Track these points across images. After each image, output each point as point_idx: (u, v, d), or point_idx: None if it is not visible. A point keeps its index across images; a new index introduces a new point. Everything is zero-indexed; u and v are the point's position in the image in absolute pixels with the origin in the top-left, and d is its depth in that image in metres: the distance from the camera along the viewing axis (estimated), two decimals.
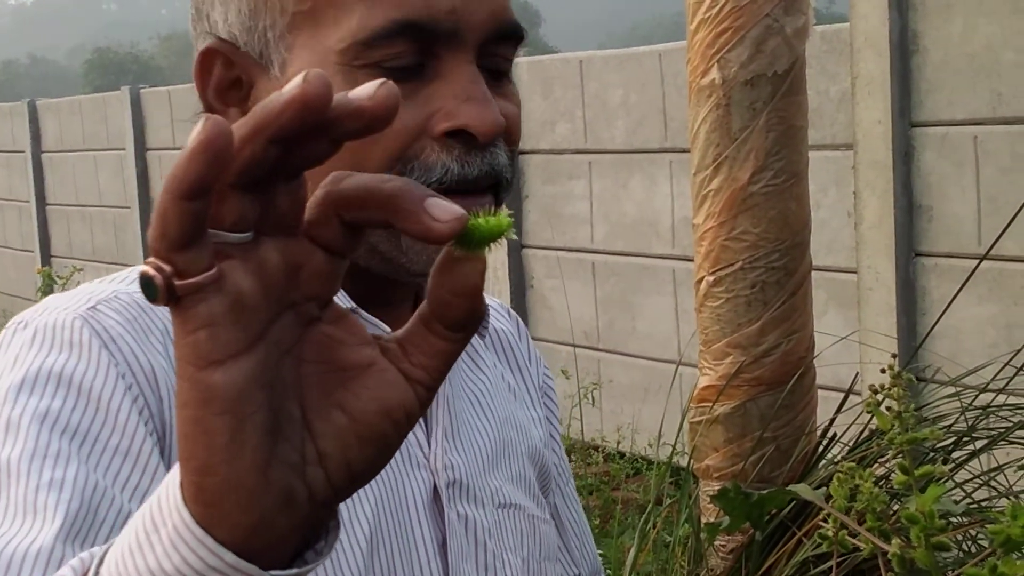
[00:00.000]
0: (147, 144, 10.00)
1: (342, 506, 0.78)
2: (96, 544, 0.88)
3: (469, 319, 0.67)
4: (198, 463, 0.64)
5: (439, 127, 1.06)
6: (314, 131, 0.61)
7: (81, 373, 1.01)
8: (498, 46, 1.11)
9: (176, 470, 0.67)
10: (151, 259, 0.61)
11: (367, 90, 0.62)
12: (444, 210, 0.63)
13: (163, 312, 1.00)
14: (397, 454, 0.86)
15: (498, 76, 1.12)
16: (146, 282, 0.61)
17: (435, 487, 1.17)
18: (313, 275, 0.66)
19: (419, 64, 1.06)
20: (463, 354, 1.05)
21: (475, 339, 1.27)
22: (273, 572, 0.65)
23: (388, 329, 1.10)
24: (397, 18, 1.04)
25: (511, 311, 1.44)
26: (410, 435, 0.99)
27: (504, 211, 0.66)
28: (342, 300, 1.07)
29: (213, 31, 1.12)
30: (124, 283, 1.12)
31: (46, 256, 11.36)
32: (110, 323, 1.04)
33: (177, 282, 0.59)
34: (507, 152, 1.11)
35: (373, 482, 0.91)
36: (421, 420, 1.04)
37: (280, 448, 0.65)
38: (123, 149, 10.10)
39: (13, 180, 12.12)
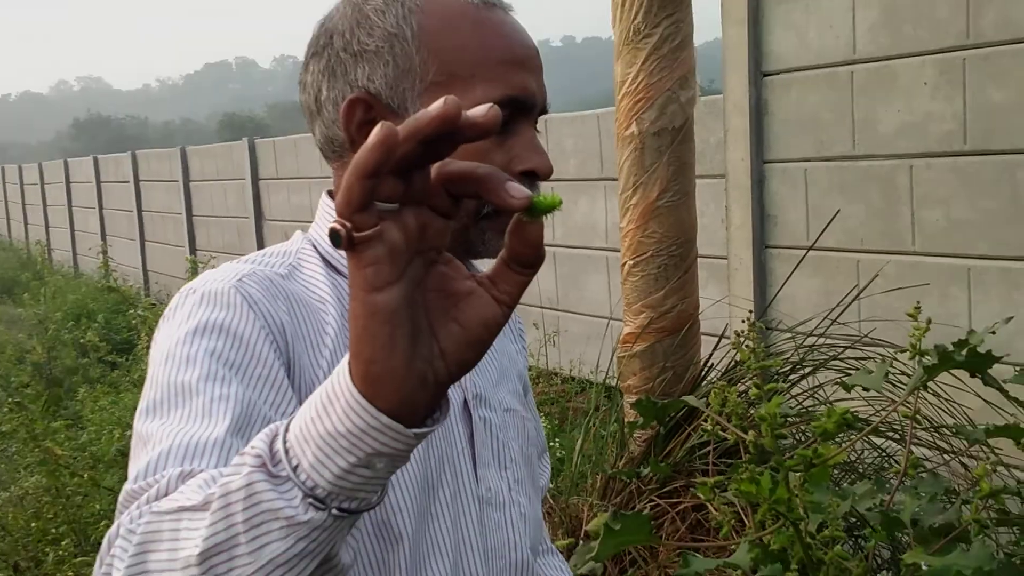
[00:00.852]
0: (259, 176, 10.59)
1: None
2: (251, 439, 0.85)
3: (535, 260, 0.75)
4: (365, 357, 0.71)
5: (517, 168, 1.11)
6: (446, 136, 0.68)
7: (235, 324, 1.04)
8: (539, 115, 1.18)
9: (344, 363, 0.75)
10: (337, 219, 0.69)
11: (481, 110, 0.70)
12: (518, 190, 0.71)
13: (285, 284, 1.11)
14: None
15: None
16: (334, 234, 0.69)
17: (465, 399, 1.21)
18: (433, 232, 0.73)
19: (507, 123, 1.09)
20: None
21: None
22: (412, 430, 0.73)
23: None
24: (507, 94, 1.09)
25: None
26: None
27: (557, 195, 0.74)
28: None
29: (356, 84, 1.12)
30: (258, 264, 1.14)
31: (192, 249, 12.08)
32: (251, 290, 1.06)
33: (356, 234, 0.68)
34: None
35: None
36: None
37: (418, 348, 0.73)
38: (243, 179, 10.72)
39: (171, 200, 12.84)
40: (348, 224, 0.68)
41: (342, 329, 1.12)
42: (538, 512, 1.31)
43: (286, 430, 0.76)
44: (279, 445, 0.75)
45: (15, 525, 3.49)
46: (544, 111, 1.18)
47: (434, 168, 0.72)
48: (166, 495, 0.84)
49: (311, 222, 1.25)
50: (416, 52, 1.11)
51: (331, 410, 0.73)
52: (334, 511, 0.74)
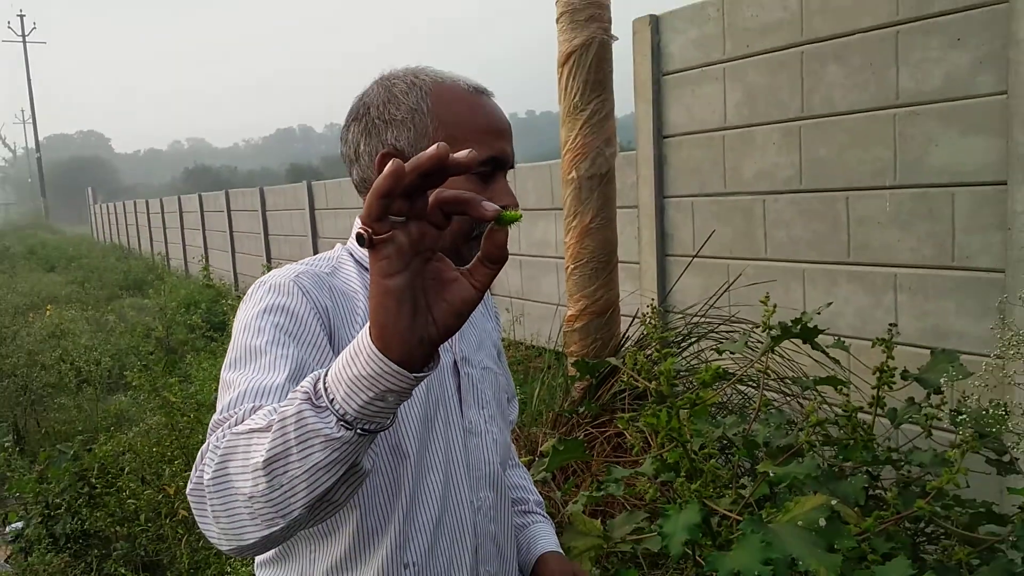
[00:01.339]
0: (315, 207, 10.56)
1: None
2: None
3: (500, 258, 0.78)
4: (380, 323, 0.75)
5: (497, 204, 1.01)
6: (438, 171, 0.71)
7: (292, 306, 1.04)
8: (510, 169, 1.18)
9: (365, 329, 0.77)
10: (362, 226, 0.72)
11: (463, 153, 0.73)
12: (491, 206, 0.75)
13: (329, 279, 1.10)
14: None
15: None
16: (359, 236, 0.72)
17: (455, 360, 1.20)
18: (430, 238, 0.75)
19: (490, 174, 1.13)
20: None
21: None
22: (413, 374, 0.76)
23: None
24: (490, 155, 1.11)
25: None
26: None
27: (519, 211, 0.77)
28: None
29: (387, 143, 1.12)
30: (310, 265, 1.13)
31: (268, 258, 12.11)
32: (305, 283, 1.06)
33: (375, 237, 0.72)
34: None
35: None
36: None
37: (417, 317, 0.75)
38: (303, 209, 10.70)
39: (252, 224, 12.74)
40: (370, 230, 0.72)
41: (348, 305, 1.12)
42: (507, 438, 1.31)
43: (325, 375, 0.79)
44: (320, 386, 0.78)
45: (142, 450, 3.49)
46: (512, 166, 1.18)
47: (432, 194, 0.74)
48: (242, 423, 0.87)
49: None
50: (430, 122, 1.11)
51: (356, 361, 0.76)
52: (358, 431, 0.78)
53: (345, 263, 1.18)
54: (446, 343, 1.11)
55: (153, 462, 3.39)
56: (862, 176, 3.32)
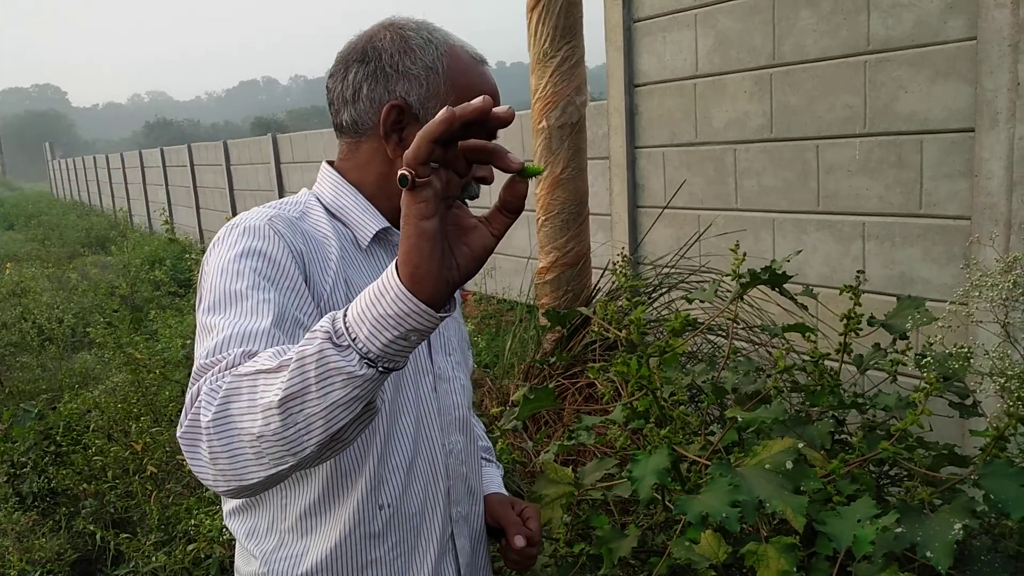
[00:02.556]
0: (280, 160, 10.39)
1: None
2: (285, 331, 0.97)
3: (518, 207, 0.83)
4: (414, 263, 0.78)
5: (477, 173, 1.12)
6: (479, 123, 0.77)
7: (270, 250, 1.03)
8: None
9: (391, 269, 0.80)
10: (405, 167, 0.76)
11: (502, 109, 0.79)
12: (515, 158, 0.80)
13: (299, 223, 1.09)
14: None
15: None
16: (403, 177, 0.76)
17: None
18: (454, 185, 0.81)
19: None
20: None
21: None
22: (440, 313, 0.80)
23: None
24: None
25: None
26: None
27: (541, 165, 0.91)
28: (381, 221, 1.15)
29: (396, 94, 1.11)
30: (279, 209, 1.12)
31: (233, 213, 12.20)
32: (279, 227, 1.06)
33: (417, 179, 0.76)
34: None
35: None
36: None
37: (444, 260, 0.80)
38: (268, 163, 10.54)
39: (217, 178, 12.61)
40: (412, 172, 0.76)
41: (341, 256, 1.12)
42: (470, 385, 1.33)
43: (344, 315, 0.81)
44: (340, 325, 0.80)
45: (108, 408, 3.46)
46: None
47: (460, 144, 0.80)
48: (235, 367, 0.88)
49: None
50: (443, 84, 1.12)
51: (383, 300, 0.79)
52: (380, 368, 0.80)
53: (314, 208, 1.17)
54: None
55: (120, 419, 3.37)
56: (832, 124, 3.32)
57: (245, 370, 0.84)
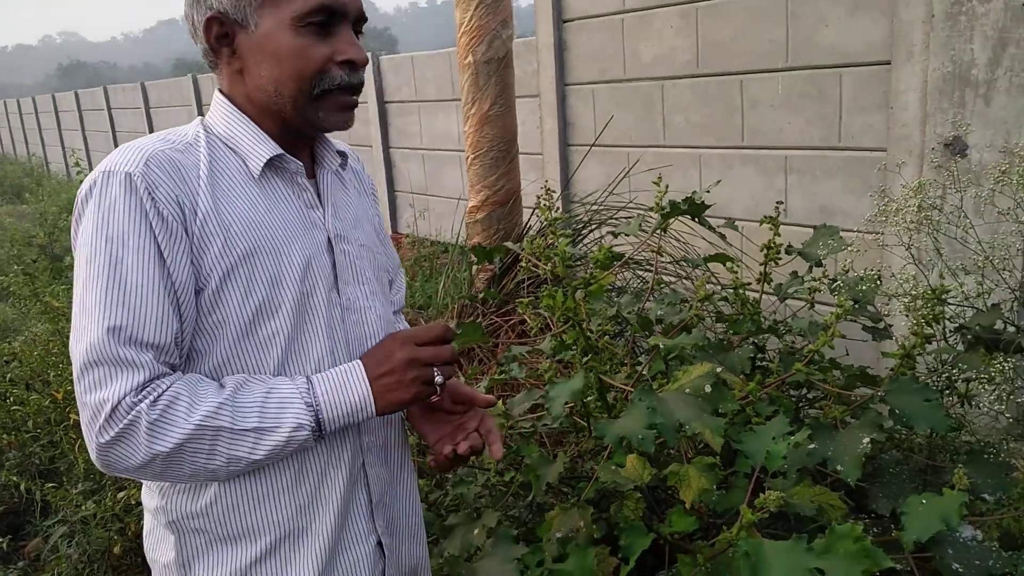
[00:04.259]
0: (202, 102, 10.03)
1: (294, 247, 1.10)
2: (177, 306, 1.02)
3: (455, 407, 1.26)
4: (393, 406, 1.09)
5: (338, 58, 1.08)
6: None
7: (147, 205, 0.99)
8: (358, 23, 1.12)
9: (368, 392, 1.08)
10: (441, 373, 1.10)
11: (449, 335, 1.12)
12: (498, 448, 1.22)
13: (180, 158, 1.06)
14: (309, 224, 1.14)
15: (359, 37, 1.13)
16: (440, 383, 1.09)
17: (328, 238, 1.16)
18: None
19: (327, 25, 1.07)
20: (338, 179, 1.24)
21: (345, 173, 1.28)
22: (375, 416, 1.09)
23: (301, 164, 1.14)
24: (321, 3, 1.05)
25: (358, 156, 1.36)
26: (315, 215, 1.15)
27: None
28: (272, 148, 1.11)
29: (211, 7, 1.07)
30: (164, 142, 1.07)
31: None
32: (153, 176, 1.01)
33: (444, 382, 1.11)
34: (363, 74, 1.13)
35: (303, 237, 1.13)
36: (320, 209, 1.17)
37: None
38: (190, 105, 10.17)
39: (136, 122, 11.97)
40: (441, 378, 1.11)
41: (222, 187, 1.09)
42: (390, 314, 1.28)
43: (319, 414, 1.06)
44: (324, 422, 1.07)
45: (28, 357, 3.35)
46: (362, 19, 1.14)
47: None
48: (168, 404, 0.99)
49: None
50: None
51: (355, 416, 1.10)
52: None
53: (200, 139, 1.12)
54: (321, 222, 1.16)
55: (40, 369, 3.26)
56: (756, 59, 3.34)
57: (203, 420, 0.99)
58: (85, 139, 14.83)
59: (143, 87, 11.84)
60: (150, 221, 1.00)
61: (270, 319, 1.08)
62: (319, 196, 1.19)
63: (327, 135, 1.21)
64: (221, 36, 1.09)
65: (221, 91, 1.17)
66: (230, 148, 1.13)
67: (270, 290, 1.07)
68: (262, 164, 1.12)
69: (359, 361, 1.10)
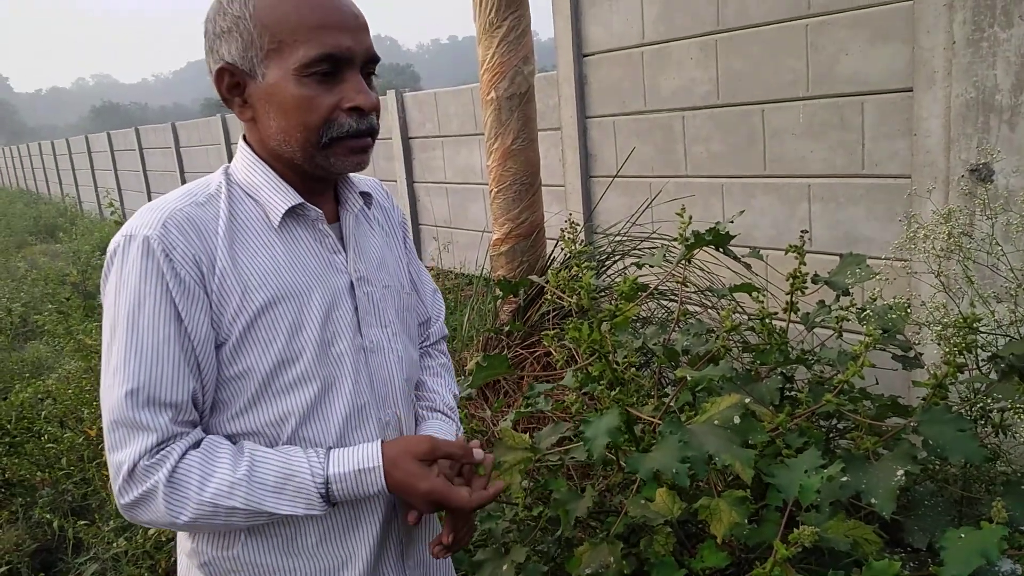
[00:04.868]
0: (230, 141, 10.13)
1: (304, 299, 1.09)
2: (197, 358, 1.03)
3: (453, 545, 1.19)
4: (406, 494, 1.10)
5: (345, 105, 1.06)
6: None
7: (164, 267, 1.01)
8: (368, 65, 1.10)
9: (380, 472, 1.07)
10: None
11: (478, 454, 1.16)
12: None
13: (199, 212, 1.07)
14: (332, 271, 1.14)
15: (369, 80, 1.11)
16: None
17: (351, 281, 1.15)
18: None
19: (333, 73, 1.05)
20: (363, 220, 1.23)
21: (371, 211, 1.27)
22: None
23: (321, 212, 1.13)
24: (322, 52, 1.03)
25: (388, 192, 1.35)
26: (338, 260, 1.15)
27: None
28: (291, 197, 1.11)
29: (222, 58, 1.07)
30: (185, 198, 1.08)
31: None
32: (171, 238, 1.02)
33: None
34: (376, 118, 1.11)
35: (324, 283, 1.12)
36: (343, 253, 1.16)
37: None
38: (219, 144, 10.64)
39: (167, 161, 12.56)
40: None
41: (239, 238, 1.09)
42: (414, 355, 1.29)
43: (329, 488, 1.07)
44: (333, 494, 1.08)
45: (61, 395, 3.38)
46: (373, 61, 1.11)
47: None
48: (185, 472, 1.03)
49: None
50: (253, 28, 1.05)
51: (367, 477, 1.08)
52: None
53: (222, 190, 1.12)
54: (343, 265, 1.16)
55: (73, 406, 3.29)
56: (776, 88, 3.34)
57: (214, 497, 1.02)
58: (117, 178, 15.13)
59: (173, 127, 12.10)
60: (167, 283, 1.02)
61: (291, 367, 1.09)
62: (342, 239, 1.19)
63: (351, 175, 1.21)
64: (232, 86, 1.09)
65: (245, 138, 1.17)
66: (251, 197, 1.13)
67: (290, 338, 1.08)
68: (281, 214, 1.12)
69: (380, 465, 1.08)
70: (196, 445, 1.05)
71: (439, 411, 1.36)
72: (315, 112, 1.06)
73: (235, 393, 1.08)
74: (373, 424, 1.17)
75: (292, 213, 1.13)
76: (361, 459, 1.08)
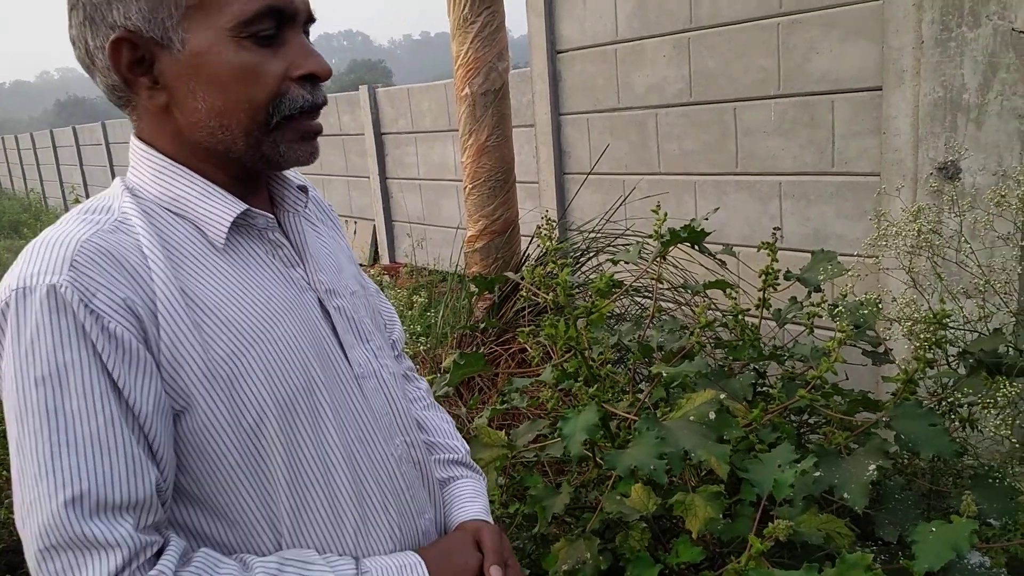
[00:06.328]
0: None
1: (280, 323, 0.86)
2: (148, 434, 0.77)
3: None
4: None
5: (296, 73, 0.85)
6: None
7: (62, 360, 0.74)
8: (307, 25, 0.89)
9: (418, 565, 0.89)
10: None
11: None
12: None
13: (116, 247, 0.79)
14: (296, 290, 0.90)
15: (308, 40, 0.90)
16: None
17: (319, 298, 0.94)
18: None
19: (275, 34, 0.84)
20: (307, 222, 1.01)
21: (310, 212, 1.06)
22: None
23: (272, 217, 0.91)
24: (266, 4, 0.82)
25: (311, 185, 1.03)
26: (296, 274, 0.92)
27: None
28: (233, 205, 0.87)
29: (114, 27, 0.82)
30: (87, 226, 0.80)
31: None
32: (85, 282, 0.75)
33: None
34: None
35: (293, 308, 0.89)
36: (301, 265, 0.94)
37: None
38: None
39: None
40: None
41: (179, 271, 0.83)
42: (397, 366, 1.10)
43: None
44: None
45: None
46: (311, 20, 0.90)
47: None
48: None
49: None
50: None
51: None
52: None
53: (131, 212, 0.85)
54: (304, 281, 0.94)
55: None
56: (748, 87, 3.38)
57: None
58: (83, 174, 14.90)
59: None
60: (92, 344, 0.75)
61: (280, 426, 0.85)
62: (294, 248, 0.96)
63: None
64: (135, 62, 0.84)
65: (140, 137, 0.90)
66: (173, 213, 0.87)
67: (273, 391, 0.84)
68: (226, 229, 0.87)
69: None
70: (185, 561, 0.78)
71: (461, 465, 1.16)
72: (262, 84, 0.83)
73: (200, 479, 0.82)
74: (389, 460, 0.98)
75: (234, 225, 0.89)
76: None
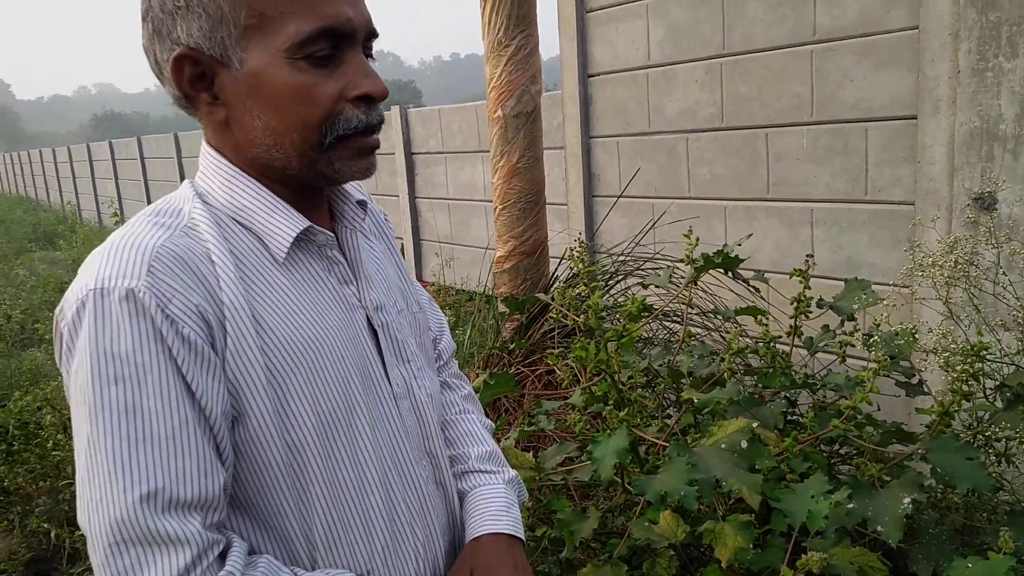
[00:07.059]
0: None
1: (332, 333, 0.89)
2: (218, 437, 0.81)
3: None
4: None
5: (351, 94, 0.86)
6: None
7: (135, 358, 0.76)
8: (369, 41, 0.89)
9: None
10: None
11: None
12: None
13: (186, 251, 0.82)
14: (347, 309, 0.92)
15: (369, 59, 0.90)
16: None
17: (367, 316, 0.96)
18: None
19: (332, 55, 0.85)
20: (362, 235, 1.02)
21: (366, 226, 1.08)
22: None
23: (332, 235, 0.94)
24: (320, 26, 0.83)
25: (370, 199, 1.08)
26: (349, 291, 0.94)
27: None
28: (297, 221, 0.89)
29: (179, 42, 0.84)
30: (161, 231, 0.83)
31: None
32: (162, 288, 0.78)
33: None
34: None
35: (344, 326, 0.90)
36: (355, 283, 0.96)
37: None
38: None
39: (168, 171, 12.67)
40: None
41: (245, 282, 0.85)
42: (437, 386, 1.10)
43: None
44: None
45: (61, 403, 3.36)
46: (372, 36, 0.90)
47: None
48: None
49: None
50: (224, 0, 0.83)
51: None
52: None
53: (201, 219, 0.87)
54: (356, 298, 0.95)
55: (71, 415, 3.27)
56: (780, 113, 3.37)
57: None
58: (118, 187, 15.17)
59: (176, 138, 12.14)
60: (169, 347, 0.77)
61: (325, 443, 0.87)
62: (349, 265, 0.98)
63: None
64: (196, 78, 0.86)
65: (210, 144, 0.93)
66: (239, 223, 0.90)
67: (320, 406, 0.87)
68: (288, 244, 0.89)
69: None
70: (251, 564, 0.81)
71: (475, 472, 1.14)
72: (316, 105, 0.85)
73: (249, 483, 0.85)
74: (421, 482, 1.00)
75: (296, 240, 0.91)
76: None
